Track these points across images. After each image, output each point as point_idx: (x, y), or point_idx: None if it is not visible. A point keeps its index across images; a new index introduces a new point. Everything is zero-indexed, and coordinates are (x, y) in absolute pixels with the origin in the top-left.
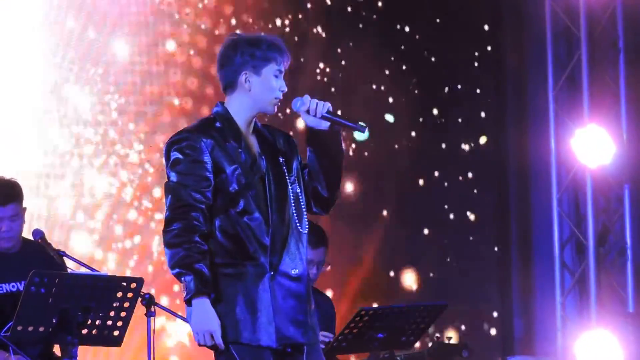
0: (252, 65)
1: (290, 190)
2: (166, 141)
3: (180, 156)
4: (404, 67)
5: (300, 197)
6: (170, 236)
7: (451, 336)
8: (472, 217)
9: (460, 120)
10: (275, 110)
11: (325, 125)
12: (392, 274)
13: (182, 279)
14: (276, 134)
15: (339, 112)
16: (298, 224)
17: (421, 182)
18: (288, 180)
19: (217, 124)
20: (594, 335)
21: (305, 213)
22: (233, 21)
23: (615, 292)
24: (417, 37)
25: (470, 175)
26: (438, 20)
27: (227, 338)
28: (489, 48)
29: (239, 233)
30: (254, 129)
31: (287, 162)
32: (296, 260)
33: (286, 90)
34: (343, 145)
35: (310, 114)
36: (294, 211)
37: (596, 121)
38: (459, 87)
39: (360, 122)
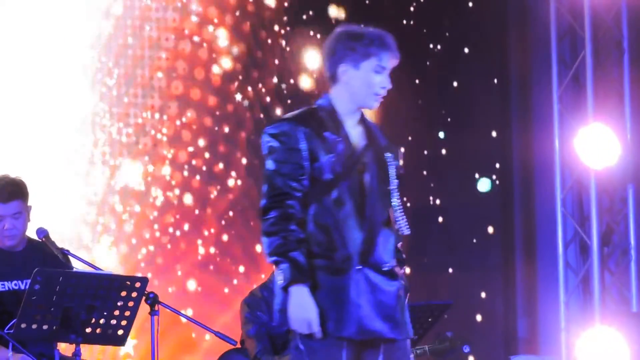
0: (352, 58)
1: (395, 188)
2: (263, 129)
3: (276, 144)
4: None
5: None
6: (267, 224)
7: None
8: (476, 216)
9: (464, 119)
10: (378, 105)
11: None
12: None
13: (279, 266)
14: (383, 136)
15: None
16: (400, 223)
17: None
18: (391, 178)
19: (320, 113)
20: (598, 332)
21: (402, 218)
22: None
23: (619, 292)
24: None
25: (476, 175)
26: (447, 22)
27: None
28: (493, 48)
29: (329, 223)
30: (362, 122)
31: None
32: (390, 255)
33: (389, 86)
34: None
35: None
36: (397, 209)
37: (600, 121)
38: (464, 86)
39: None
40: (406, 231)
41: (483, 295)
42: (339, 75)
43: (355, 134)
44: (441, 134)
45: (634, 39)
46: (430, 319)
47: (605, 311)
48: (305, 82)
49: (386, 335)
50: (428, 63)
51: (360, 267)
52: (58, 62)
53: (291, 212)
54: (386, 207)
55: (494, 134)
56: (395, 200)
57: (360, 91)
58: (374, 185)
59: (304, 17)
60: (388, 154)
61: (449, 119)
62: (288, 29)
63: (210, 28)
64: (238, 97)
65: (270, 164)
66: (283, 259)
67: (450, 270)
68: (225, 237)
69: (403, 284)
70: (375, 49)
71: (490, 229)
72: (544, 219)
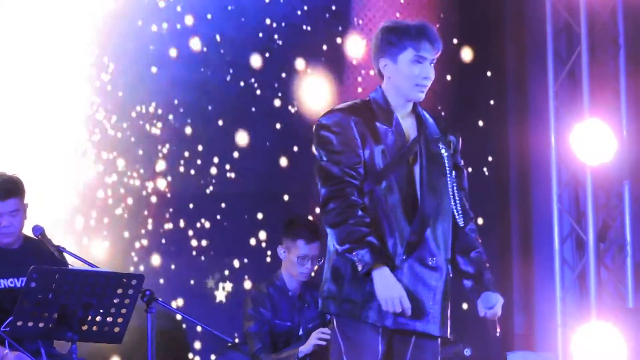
0: (390, 52)
1: (449, 180)
2: (316, 121)
3: (329, 135)
4: None
5: (458, 193)
6: (332, 215)
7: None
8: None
9: (459, 114)
10: (423, 97)
11: None
12: None
13: (355, 252)
14: (445, 127)
15: None
16: (456, 216)
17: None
18: (447, 169)
19: (371, 105)
20: (594, 327)
21: (461, 209)
22: None
23: (615, 287)
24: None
25: (470, 170)
26: (442, 16)
27: (350, 314)
28: (489, 43)
29: (379, 212)
30: (413, 112)
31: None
32: (439, 250)
33: (432, 77)
34: None
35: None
36: (453, 202)
37: (596, 117)
38: (459, 82)
39: None
40: (460, 223)
41: None
42: (382, 70)
43: (407, 126)
44: None
45: (630, 35)
46: None
47: (601, 307)
48: None
49: (418, 329)
50: None
51: (405, 257)
52: (51, 55)
53: (353, 199)
54: (440, 199)
55: (489, 129)
56: (452, 192)
57: (403, 84)
58: (424, 176)
59: None
60: (441, 145)
61: (442, 114)
62: None
63: None
64: None
65: (325, 155)
66: (359, 244)
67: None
68: (219, 231)
69: (450, 282)
70: (411, 40)
71: (487, 225)
72: (540, 215)
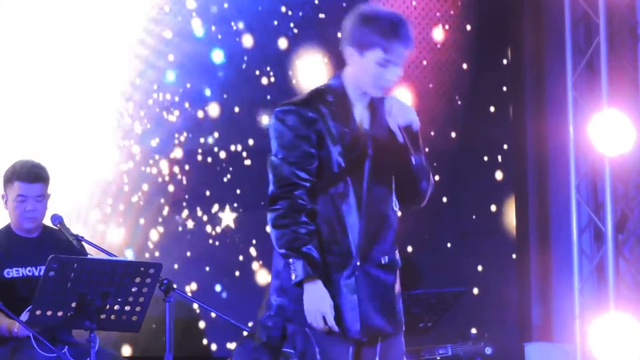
0: (358, 43)
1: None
2: (274, 111)
3: (284, 129)
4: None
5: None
6: (276, 215)
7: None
8: (491, 204)
9: (475, 103)
10: (383, 94)
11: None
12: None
13: (291, 261)
14: (398, 108)
15: None
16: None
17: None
18: (395, 164)
19: (329, 97)
20: (612, 318)
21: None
22: None
23: (634, 278)
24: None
25: (486, 158)
26: (459, 4)
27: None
28: (507, 33)
29: (331, 215)
30: (370, 104)
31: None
32: (386, 247)
33: (396, 79)
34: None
35: None
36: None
37: (615, 108)
38: (477, 71)
39: None
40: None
41: (497, 282)
42: (346, 57)
43: (364, 119)
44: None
45: None
46: (444, 306)
47: (619, 298)
48: None
49: (386, 329)
50: (439, 46)
51: (359, 263)
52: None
53: (300, 202)
54: (389, 195)
55: (504, 117)
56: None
57: (364, 80)
58: (376, 175)
59: None
60: (397, 133)
61: (459, 102)
62: None
63: None
64: None
65: (277, 151)
66: (295, 254)
67: (462, 257)
68: (236, 218)
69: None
70: (382, 39)
71: (505, 216)
72: (557, 206)
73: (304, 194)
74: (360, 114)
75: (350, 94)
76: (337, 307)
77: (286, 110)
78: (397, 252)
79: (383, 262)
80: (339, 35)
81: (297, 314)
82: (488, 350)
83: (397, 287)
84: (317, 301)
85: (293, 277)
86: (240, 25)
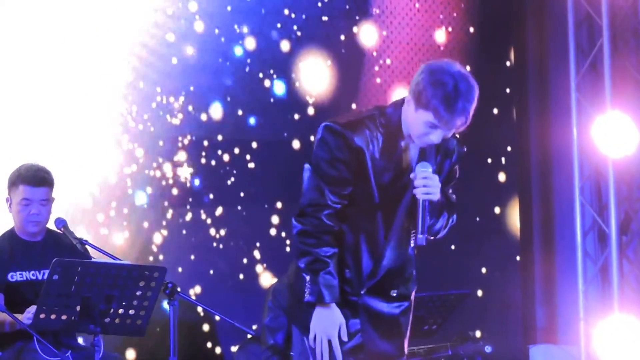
0: (416, 98)
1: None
2: (323, 124)
3: (327, 148)
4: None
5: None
6: (301, 230)
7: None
8: (495, 206)
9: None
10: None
11: None
12: None
13: (308, 279)
14: (447, 148)
15: None
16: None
17: None
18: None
19: (381, 128)
20: (617, 320)
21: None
22: None
23: (638, 280)
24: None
25: (489, 160)
26: (462, 5)
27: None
28: (510, 34)
29: (349, 242)
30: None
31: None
32: (399, 282)
33: (438, 142)
34: None
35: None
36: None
37: (618, 109)
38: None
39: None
40: (419, 242)
41: (501, 284)
42: (405, 101)
43: (413, 159)
44: None
45: None
46: (448, 308)
47: (623, 299)
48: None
49: (390, 352)
50: (442, 48)
51: (363, 292)
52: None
53: (327, 223)
54: (411, 233)
55: (507, 119)
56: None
57: (412, 130)
58: (405, 215)
59: None
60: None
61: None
62: None
63: None
64: None
65: (317, 163)
66: (313, 276)
67: (466, 259)
68: (239, 221)
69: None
70: (437, 106)
71: (509, 218)
72: (561, 208)
73: (332, 216)
74: (410, 152)
75: (404, 130)
76: (347, 331)
77: (334, 130)
78: (412, 284)
79: (392, 293)
80: (342, 37)
81: (303, 318)
82: (488, 349)
83: (405, 318)
84: (325, 324)
85: (306, 295)
86: (244, 28)
